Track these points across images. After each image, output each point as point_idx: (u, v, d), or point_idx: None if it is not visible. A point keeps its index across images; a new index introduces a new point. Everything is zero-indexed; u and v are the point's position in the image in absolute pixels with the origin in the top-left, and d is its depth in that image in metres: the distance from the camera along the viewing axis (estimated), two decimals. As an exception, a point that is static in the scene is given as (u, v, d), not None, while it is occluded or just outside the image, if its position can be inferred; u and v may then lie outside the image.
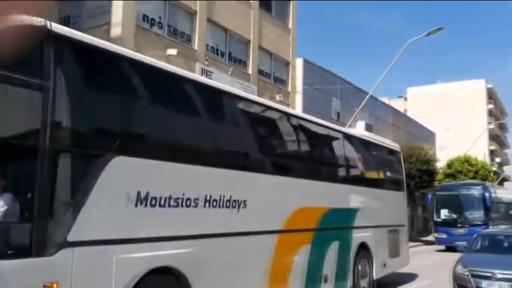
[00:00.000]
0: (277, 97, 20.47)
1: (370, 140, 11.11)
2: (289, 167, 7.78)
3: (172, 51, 15.19)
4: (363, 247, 9.44)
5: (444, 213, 22.93)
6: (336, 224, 8.56)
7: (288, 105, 21.50)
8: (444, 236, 22.16)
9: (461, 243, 18.97)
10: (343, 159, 9.45)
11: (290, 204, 7.29)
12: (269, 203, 6.81)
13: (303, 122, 8.41)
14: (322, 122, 9.28)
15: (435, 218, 23.18)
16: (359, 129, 13.22)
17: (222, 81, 17.31)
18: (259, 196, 6.61)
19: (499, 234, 11.17)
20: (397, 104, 51.07)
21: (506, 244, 10.17)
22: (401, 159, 12.89)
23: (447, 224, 22.29)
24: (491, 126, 62.28)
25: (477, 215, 22.14)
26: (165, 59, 14.75)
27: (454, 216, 22.53)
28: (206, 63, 16.54)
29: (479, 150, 51.92)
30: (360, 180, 9.98)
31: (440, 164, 36.33)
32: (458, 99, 64.03)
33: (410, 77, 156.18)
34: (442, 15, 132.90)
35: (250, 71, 19.18)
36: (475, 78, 69.04)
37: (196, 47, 16.76)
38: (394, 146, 12.79)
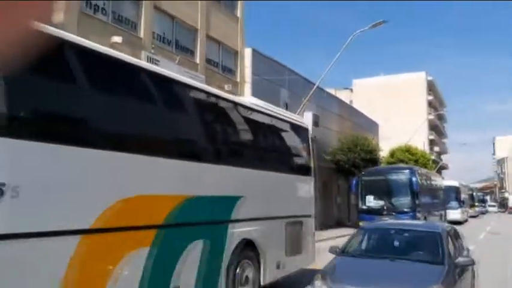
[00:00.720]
0: (226, 87, 20.35)
1: (263, 109, 8.69)
2: (107, 136, 5.17)
3: (117, 39, 14.71)
4: (247, 245, 7.37)
5: (369, 199, 21.22)
6: (199, 218, 6.36)
7: (236, 96, 21.47)
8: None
9: None
10: (216, 131, 7.24)
11: (108, 192, 4.98)
12: (61, 188, 4.44)
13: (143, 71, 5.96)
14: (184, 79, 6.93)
15: (360, 206, 21.56)
16: (250, 98, 10.55)
17: (169, 70, 16.98)
18: (41, 178, 4.28)
19: (393, 228, 7.86)
20: (343, 95, 52.33)
21: (398, 243, 7.11)
22: (310, 139, 10.76)
23: (372, 211, 20.34)
24: (431, 116, 65.30)
25: (404, 201, 20.59)
26: (110, 47, 14.26)
27: (380, 203, 20.86)
28: (152, 51, 16.16)
29: (420, 140, 54.32)
30: (244, 160, 7.87)
31: (383, 153, 37.64)
32: (400, 91, 66.61)
33: (356, 69, 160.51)
34: (389, 8, 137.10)
35: (198, 60, 18.93)
36: (417, 70, 72.04)
37: (142, 35, 16.32)
38: (301, 122, 10.83)
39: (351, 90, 71.97)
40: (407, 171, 21.91)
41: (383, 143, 41.79)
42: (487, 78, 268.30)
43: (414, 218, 19.23)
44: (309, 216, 9.80)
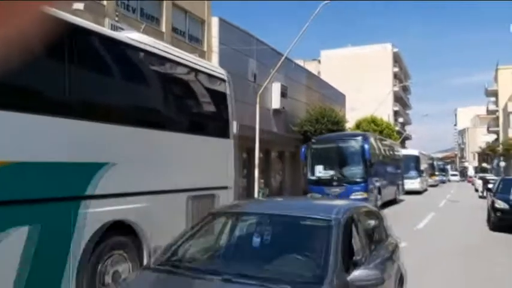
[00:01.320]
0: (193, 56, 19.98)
1: (148, 48, 6.41)
2: None
3: (78, 5, 14.10)
4: (119, 230, 5.42)
5: (319, 169, 19.56)
6: (22, 194, 4.30)
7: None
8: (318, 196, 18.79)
9: None
10: (58, 68, 4.89)
11: None
12: None
13: None
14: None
15: (309, 176, 19.76)
16: (129, 33, 7.31)
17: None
18: None
19: (257, 213, 4.64)
20: (311, 66, 52.36)
21: (258, 243, 4.20)
22: (228, 92, 8.55)
23: (321, 182, 18.91)
24: (396, 88, 66.33)
25: (355, 171, 18.98)
26: (72, 14, 13.69)
27: (330, 173, 19.30)
28: (116, 19, 15.61)
29: (385, 111, 55.30)
30: (115, 114, 5.73)
31: (350, 124, 38.17)
32: (367, 63, 67.16)
33: (324, 40, 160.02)
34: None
35: (163, 29, 18.43)
36: (383, 42, 72.63)
37: (105, 2, 15.70)
38: (216, 70, 8.95)
39: (319, 61, 72.10)
40: (359, 138, 19.93)
41: (350, 114, 42.33)
42: (450, 51, 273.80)
43: (366, 189, 18.36)
44: (225, 188, 7.86)
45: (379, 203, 18.91)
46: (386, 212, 14.07)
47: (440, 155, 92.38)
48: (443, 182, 60.23)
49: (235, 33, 23.39)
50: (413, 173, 33.28)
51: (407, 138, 72.96)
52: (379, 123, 44.39)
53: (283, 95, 26.97)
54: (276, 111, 26.35)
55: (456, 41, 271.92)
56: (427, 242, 11.42)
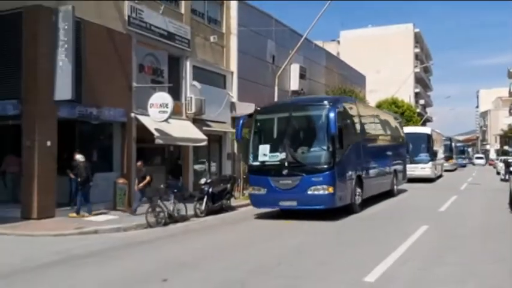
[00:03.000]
0: (212, 38, 19.91)
1: None
2: None
3: (98, -13, 14.10)
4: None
5: (264, 151, 12.88)
6: None
7: (222, 47, 21.05)
8: (262, 191, 12.58)
9: (288, 204, 12.23)
10: None
11: None
12: None
13: None
14: None
15: (251, 161, 13.15)
16: None
17: (153, 20, 16.51)
18: None
19: None
20: (330, 47, 51.68)
21: None
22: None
23: (266, 170, 12.64)
24: (417, 69, 65.18)
25: (317, 152, 12.37)
26: (91, -5, 13.75)
27: (280, 156, 12.49)
28: (136, 1, 15.59)
29: (406, 93, 54.51)
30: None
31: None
32: (388, 43, 66.01)
33: (343, 20, 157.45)
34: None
35: (183, 10, 18.35)
36: (404, 22, 71.16)
37: (124, -17, 15.66)
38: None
39: (338, 42, 71.13)
40: (324, 104, 12.73)
41: (370, 95, 41.86)
42: (473, 32, 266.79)
43: (332, 181, 11.93)
44: None
45: (359, 200, 13.54)
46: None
47: (461, 138, 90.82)
48: (463, 166, 55.00)
49: (254, 15, 23.19)
50: (423, 155, 26.96)
51: (428, 120, 71.90)
52: (400, 104, 43.88)
53: (302, 76, 26.74)
54: (294, 92, 26.17)
55: (479, 21, 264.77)
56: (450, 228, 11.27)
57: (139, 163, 13.92)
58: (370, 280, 6.04)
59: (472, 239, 9.24)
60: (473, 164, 63.83)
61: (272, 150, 12.76)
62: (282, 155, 12.42)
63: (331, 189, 11.89)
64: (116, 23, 14.76)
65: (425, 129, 30.05)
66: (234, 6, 21.50)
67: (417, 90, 72.13)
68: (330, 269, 6.82)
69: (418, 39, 73.20)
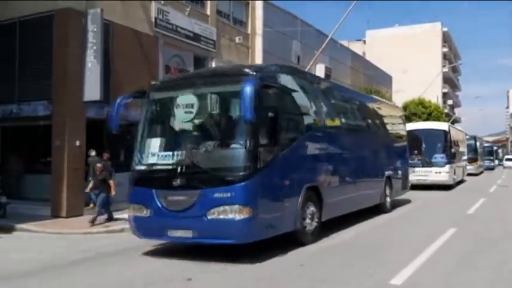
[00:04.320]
0: (237, 39, 20.00)
1: None
2: None
3: (125, -11, 14.34)
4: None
5: (153, 148, 8.15)
6: None
7: (247, 48, 21.10)
8: (145, 212, 7.69)
9: (179, 235, 7.45)
10: None
11: None
12: None
13: None
14: None
15: (134, 165, 8.17)
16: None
17: (179, 21, 16.68)
18: None
19: None
20: (356, 47, 51.20)
21: None
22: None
23: (154, 179, 7.82)
24: (445, 69, 63.93)
25: (227, 152, 7.57)
26: (118, -2, 13.97)
27: (174, 157, 7.71)
28: (162, 2, 15.79)
29: (433, 93, 53.55)
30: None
31: (396, 106, 37.16)
32: (415, 42, 64.96)
33: (370, 20, 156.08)
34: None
35: (208, 12, 18.49)
36: (431, 21, 69.94)
37: (151, -15, 15.89)
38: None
39: (364, 42, 70.39)
40: (241, 73, 7.71)
41: (396, 96, 41.29)
42: (503, 30, 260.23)
43: (249, 197, 7.10)
44: None
45: (313, 225, 8.64)
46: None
47: (491, 139, 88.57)
48: (490, 168, 48.85)
49: (279, 15, 23.17)
50: (439, 157, 21.99)
51: (457, 121, 70.45)
52: (427, 105, 43.11)
53: (327, 76, 26.47)
54: (320, 93, 25.98)
55: (509, 18, 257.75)
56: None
57: (106, 155, 12.26)
58: None
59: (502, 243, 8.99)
60: (504, 166, 56.68)
61: (165, 148, 7.92)
62: (177, 156, 7.52)
63: (246, 212, 6.89)
64: (143, 25, 14.98)
65: (442, 125, 24.43)
66: (259, 6, 21.53)
67: (445, 90, 70.75)
68: None
69: (446, 38, 71.80)
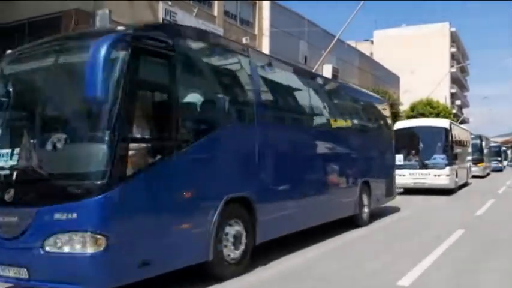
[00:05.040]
0: (244, 40, 20.01)
1: None
2: None
3: (133, -10, 14.42)
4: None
5: None
6: None
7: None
8: None
9: (8, 276, 4.58)
10: None
11: None
12: None
13: None
14: None
15: None
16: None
17: (186, 22, 16.70)
18: None
19: None
20: (363, 47, 51.06)
21: None
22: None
23: None
24: (453, 69, 63.59)
25: (76, 150, 4.65)
26: (126, -1, 14.04)
27: (12, 158, 4.83)
28: (170, 3, 15.83)
29: (441, 93, 53.27)
30: None
31: (404, 106, 37.10)
32: (423, 43, 64.65)
33: (377, 20, 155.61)
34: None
35: (215, 12, 18.53)
36: (439, 21, 69.64)
37: (158, -14, 15.96)
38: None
39: (371, 42, 70.18)
40: (103, 35, 4.64)
41: (404, 96, 41.13)
42: (509, 30, 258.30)
43: (101, 219, 4.30)
44: None
45: (236, 254, 5.93)
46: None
47: (500, 140, 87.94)
48: (498, 170, 45.88)
49: (286, 16, 23.16)
50: (438, 158, 19.58)
51: (465, 121, 70.06)
52: (435, 105, 42.89)
53: (335, 77, 26.42)
54: (327, 93, 25.97)
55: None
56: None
57: None
58: None
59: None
60: None
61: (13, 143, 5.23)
62: (14, 156, 5.00)
63: (100, 242, 4.29)
64: (150, 25, 15.04)
65: (442, 122, 21.67)
66: (266, 6, 21.54)
67: (453, 90, 70.36)
68: None
69: (454, 39, 71.42)
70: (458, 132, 24.03)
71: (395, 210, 13.04)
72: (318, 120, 9.24)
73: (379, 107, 13.25)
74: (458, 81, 76.04)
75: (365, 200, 10.54)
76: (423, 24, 68.97)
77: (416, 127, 20.18)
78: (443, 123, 21.21)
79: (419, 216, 12.27)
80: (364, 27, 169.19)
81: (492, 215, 13.00)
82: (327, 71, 25.93)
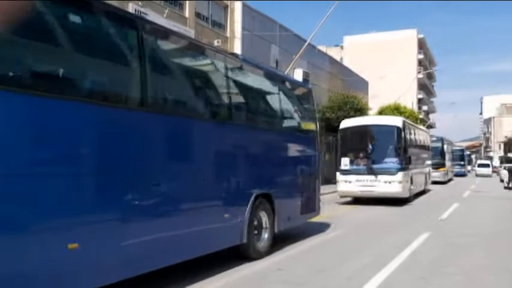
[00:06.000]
0: (216, 42, 19.95)
1: None
2: None
3: (102, -10, 14.17)
4: None
5: None
6: None
7: (226, 51, 21.07)
8: None
9: None
10: None
11: None
12: None
13: None
14: None
15: None
16: None
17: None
18: None
19: None
20: (333, 52, 51.72)
21: None
22: None
23: None
24: (420, 75, 65.17)
25: None
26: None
27: None
28: (140, 4, 15.64)
29: (409, 99, 54.50)
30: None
31: (372, 112, 37.72)
32: (391, 49, 66.08)
33: (347, 26, 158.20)
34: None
35: (187, 14, 18.41)
36: (408, 28, 71.27)
37: (129, -14, 15.74)
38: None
39: (342, 47, 71.21)
40: None
41: (373, 101, 41.84)
42: (477, 38, 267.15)
43: None
44: None
45: None
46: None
47: (465, 144, 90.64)
48: (461, 175, 44.76)
49: (258, 19, 23.23)
50: (390, 162, 16.73)
51: (431, 126, 71.85)
52: (402, 110, 43.78)
53: (306, 81, 26.74)
54: (298, 97, 26.17)
55: (484, 27, 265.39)
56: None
57: None
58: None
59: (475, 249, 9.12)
60: (476, 173, 48.98)
61: None
62: None
63: None
64: (120, 26, 14.80)
65: (394, 120, 18.52)
66: (238, 10, 21.55)
67: (420, 96, 72.09)
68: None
69: (422, 45, 73.26)
70: (416, 133, 21.59)
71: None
72: (179, 106, 6.14)
73: (295, 92, 10.05)
74: (426, 87, 77.97)
75: (264, 221, 7.67)
76: (392, 31, 70.47)
77: (365, 126, 17.56)
78: (395, 121, 18.19)
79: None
80: (335, 32, 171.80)
81: (456, 220, 13.08)
82: (298, 75, 26.13)
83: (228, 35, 21.17)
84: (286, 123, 9.23)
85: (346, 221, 12.06)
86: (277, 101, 8.78)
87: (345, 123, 17.94)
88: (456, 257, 7.82)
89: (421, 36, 72.04)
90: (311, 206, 9.55)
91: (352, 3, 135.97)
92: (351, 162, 16.48)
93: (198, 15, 19.23)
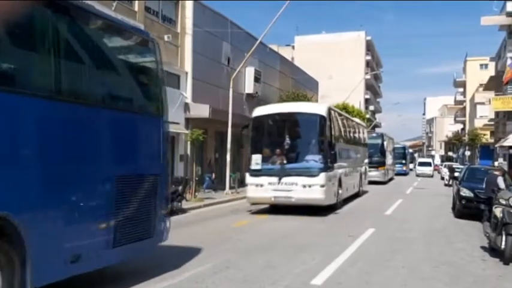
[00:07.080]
0: (166, 37, 19.59)
1: None
2: None
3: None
4: None
5: None
6: None
7: (177, 47, 20.74)
8: None
9: None
10: None
11: None
12: None
13: None
14: None
15: None
16: None
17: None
18: None
19: None
20: (285, 52, 52.18)
21: None
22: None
23: None
24: (367, 76, 67.04)
25: None
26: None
27: None
28: (87, -5, 15.07)
29: (357, 99, 55.97)
30: None
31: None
32: (340, 50, 67.57)
33: (298, 26, 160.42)
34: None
35: (136, 8, 17.95)
36: (356, 30, 73.12)
37: (75, -23, 15.14)
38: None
39: (293, 47, 72.03)
40: None
41: (322, 100, 42.58)
42: (421, 41, 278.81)
43: None
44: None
45: None
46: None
47: (408, 143, 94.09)
48: (403, 173, 43.16)
49: (210, 15, 23.02)
50: (311, 160, 13.40)
51: (377, 126, 74.11)
52: (350, 110, 44.86)
53: (257, 79, 26.81)
54: (249, 95, 26.21)
55: (428, 30, 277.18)
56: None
57: None
58: None
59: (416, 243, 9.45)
60: (417, 173, 46.08)
61: None
62: None
63: None
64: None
65: (317, 108, 14.75)
66: (189, 5, 21.26)
67: (367, 96, 74.13)
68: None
69: (369, 47, 75.35)
70: (348, 125, 18.09)
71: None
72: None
73: (124, 44, 6.73)
74: (372, 88, 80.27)
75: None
76: (341, 32, 72.04)
77: (282, 114, 14.16)
78: (318, 109, 14.31)
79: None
80: (287, 32, 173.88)
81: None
82: (249, 73, 26.19)
83: (178, 30, 20.85)
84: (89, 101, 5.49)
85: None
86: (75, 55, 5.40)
87: (259, 111, 14.25)
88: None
89: (369, 38, 74.09)
90: (140, 231, 5.99)
91: (304, 3, 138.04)
92: (265, 161, 13.08)
93: (147, 9, 18.80)
